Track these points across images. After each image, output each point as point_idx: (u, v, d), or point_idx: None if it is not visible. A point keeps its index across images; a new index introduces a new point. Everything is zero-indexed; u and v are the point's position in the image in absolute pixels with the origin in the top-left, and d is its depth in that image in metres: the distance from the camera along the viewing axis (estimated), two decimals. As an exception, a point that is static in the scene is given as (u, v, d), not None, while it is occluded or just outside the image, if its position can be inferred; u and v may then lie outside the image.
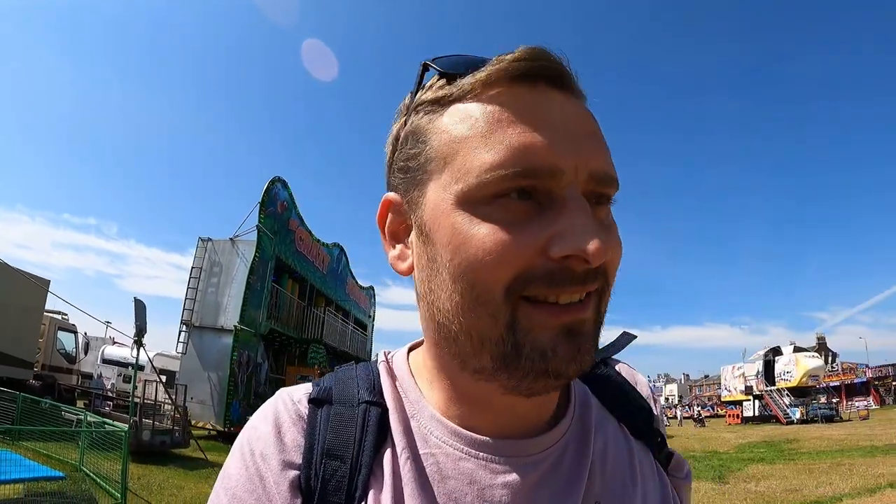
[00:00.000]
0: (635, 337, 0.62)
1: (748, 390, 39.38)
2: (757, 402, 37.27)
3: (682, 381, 76.37)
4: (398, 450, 0.50)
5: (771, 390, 36.22)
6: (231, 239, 14.96)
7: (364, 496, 0.48)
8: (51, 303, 17.18)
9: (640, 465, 0.57)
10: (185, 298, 14.61)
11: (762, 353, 41.11)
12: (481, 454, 0.50)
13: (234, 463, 0.52)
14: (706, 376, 74.02)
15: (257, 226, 14.55)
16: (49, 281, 15.84)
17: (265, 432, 0.52)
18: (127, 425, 7.38)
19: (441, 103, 0.48)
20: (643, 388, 0.66)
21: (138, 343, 11.07)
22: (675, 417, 40.85)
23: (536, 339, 0.43)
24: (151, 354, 23.72)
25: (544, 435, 0.52)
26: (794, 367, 37.49)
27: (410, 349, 0.61)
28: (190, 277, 14.83)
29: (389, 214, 0.53)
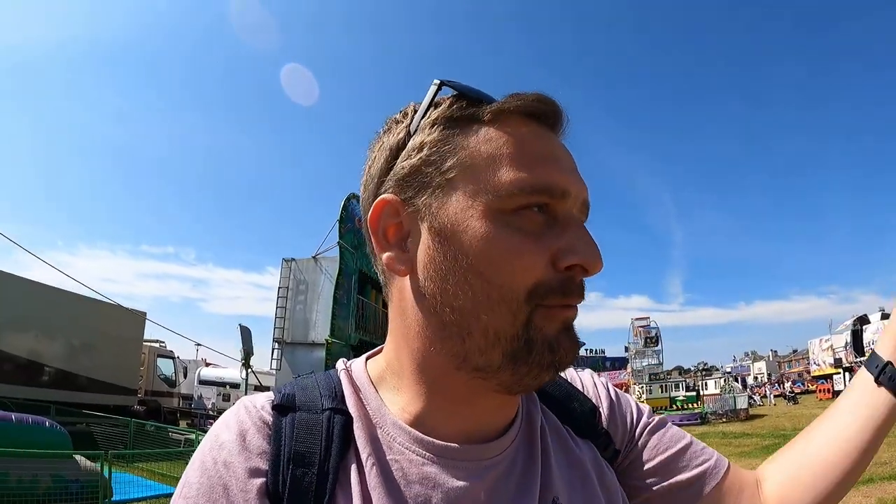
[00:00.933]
0: (583, 343, 0.57)
1: (837, 363, 37.34)
2: (847, 374, 35.14)
3: (770, 358, 72.76)
4: (363, 456, 0.51)
5: (860, 361, 34.13)
6: (314, 257, 15.38)
7: (332, 502, 0.49)
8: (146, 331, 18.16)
9: (587, 463, 0.61)
10: (276, 317, 15.09)
11: (849, 322, 38.71)
12: (443, 458, 0.52)
13: (195, 473, 0.50)
14: (795, 351, 70.37)
15: (339, 242, 14.89)
16: (145, 312, 16.84)
17: (228, 440, 0.51)
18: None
19: (462, 122, 0.52)
20: (588, 387, 0.70)
21: (246, 366, 11.60)
22: (766, 396, 38.74)
23: (546, 334, 0.49)
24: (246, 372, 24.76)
25: (500, 439, 0.56)
26: (885, 336, 35.20)
27: (368, 359, 0.62)
28: (278, 297, 15.32)
29: (384, 217, 0.54)
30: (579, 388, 0.69)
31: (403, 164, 0.53)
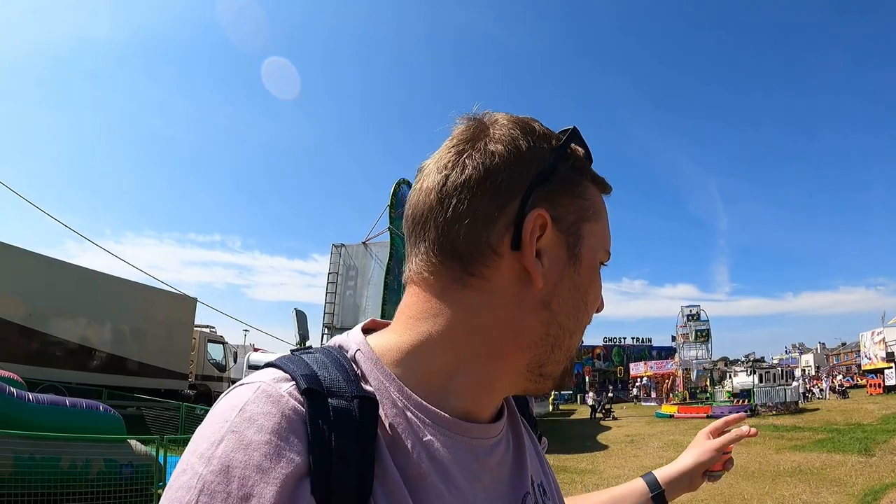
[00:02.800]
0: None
1: (889, 357, 35.80)
2: (901, 369, 33.93)
3: (818, 351, 70.69)
4: (399, 442, 0.51)
5: (917, 355, 32.85)
6: (364, 243, 15.36)
7: (374, 495, 0.47)
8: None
9: (537, 445, 0.74)
10: (325, 303, 15.12)
11: (904, 315, 37.31)
12: (466, 438, 0.56)
13: (217, 478, 0.42)
14: (843, 344, 68.25)
15: (389, 228, 14.79)
16: (196, 298, 17.09)
17: (258, 441, 0.44)
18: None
19: (584, 173, 0.61)
20: None
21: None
22: (823, 390, 35.87)
23: (574, 362, 0.63)
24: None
25: (499, 421, 0.62)
26: (940, 329, 33.72)
27: (366, 333, 0.61)
28: (327, 283, 15.36)
29: (536, 229, 0.55)
30: None
31: (555, 188, 0.57)
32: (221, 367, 20.08)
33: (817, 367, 56.21)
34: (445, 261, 0.56)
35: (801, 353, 68.99)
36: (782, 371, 29.49)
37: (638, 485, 0.99)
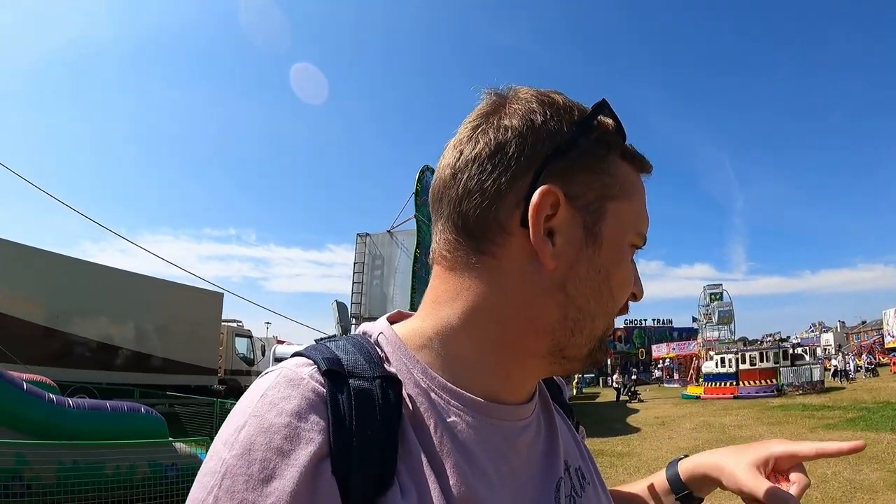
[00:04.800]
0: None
1: (914, 334, 35.32)
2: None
3: (839, 329, 69.62)
4: (423, 423, 0.51)
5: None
6: (389, 231, 15.29)
7: (398, 474, 0.47)
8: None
9: (574, 431, 0.71)
10: (352, 293, 15.10)
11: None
12: (491, 418, 0.54)
13: (239, 461, 0.43)
14: (863, 322, 67.26)
15: (415, 215, 14.71)
16: (223, 294, 17.18)
17: (280, 423, 0.44)
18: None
19: (615, 149, 0.56)
20: None
21: None
22: (860, 370, 32.25)
23: (606, 342, 0.59)
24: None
25: (529, 403, 0.60)
26: (964, 305, 32.96)
27: (392, 322, 0.61)
28: (353, 272, 15.34)
29: (545, 207, 0.52)
30: None
31: (575, 163, 0.53)
32: (249, 361, 20.25)
33: (839, 346, 55.26)
34: (459, 238, 0.55)
35: (820, 332, 67.81)
36: (808, 350, 29.07)
37: (659, 482, 0.82)
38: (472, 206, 0.53)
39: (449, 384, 0.54)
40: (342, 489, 0.43)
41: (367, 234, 15.63)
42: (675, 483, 0.80)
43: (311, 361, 0.50)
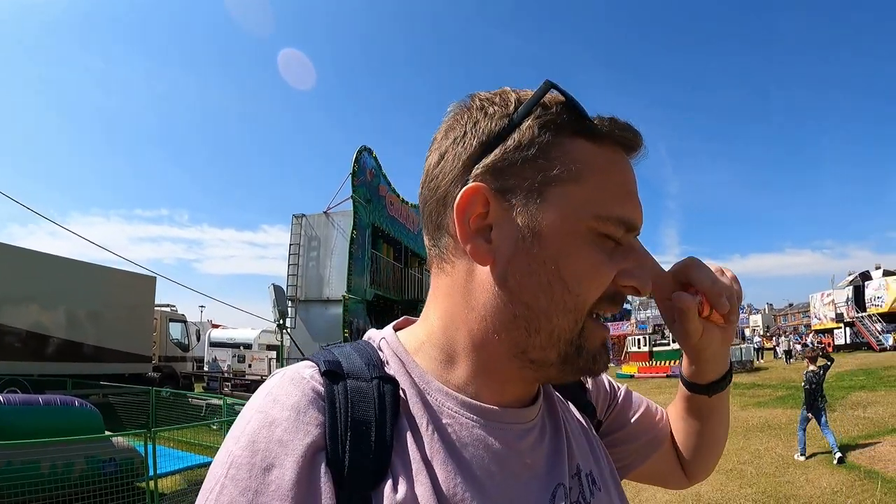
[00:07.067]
0: None
1: (839, 318, 37.57)
2: (848, 329, 35.47)
3: (766, 311, 72.89)
4: (417, 422, 0.53)
5: (862, 317, 34.11)
6: (325, 212, 15.02)
7: (391, 469, 0.49)
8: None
9: (589, 432, 0.70)
10: (288, 275, 14.74)
11: (850, 278, 38.87)
12: (489, 421, 0.56)
13: (243, 452, 0.47)
14: (790, 305, 70.83)
15: (352, 196, 14.44)
16: (155, 277, 16.54)
17: (280, 417, 0.48)
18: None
19: (566, 132, 0.53)
20: None
21: (281, 327, 11.43)
22: (802, 349, 33.94)
23: (592, 345, 0.55)
24: (256, 333, 24.67)
25: (532, 406, 0.61)
26: (885, 292, 34.98)
27: (396, 329, 0.64)
28: (289, 254, 14.94)
29: (472, 203, 0.53)
30: None
31: (503, 156, 0.53)
32: (184, 347, 19.57)
33: (767, 327, 58.22)
34: (430, 245, 0.60)
35: (749, 315, 70.93)
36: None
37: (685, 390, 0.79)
38: (432, 214, 0.58)
39: (444, 386, 0.56)
40: (337, 479, 0.47)
41: (303, 215, 15.29)
42: (687, 384, 0.76)
43: (313, 364, 0.54)
